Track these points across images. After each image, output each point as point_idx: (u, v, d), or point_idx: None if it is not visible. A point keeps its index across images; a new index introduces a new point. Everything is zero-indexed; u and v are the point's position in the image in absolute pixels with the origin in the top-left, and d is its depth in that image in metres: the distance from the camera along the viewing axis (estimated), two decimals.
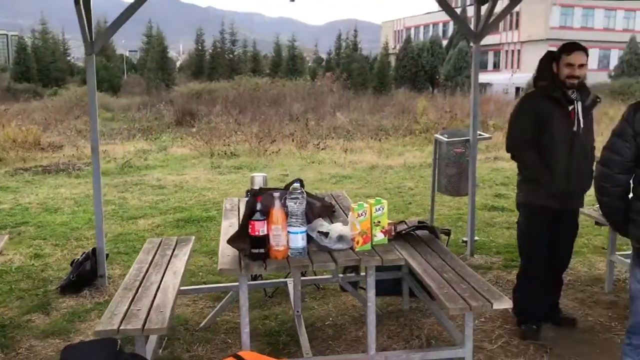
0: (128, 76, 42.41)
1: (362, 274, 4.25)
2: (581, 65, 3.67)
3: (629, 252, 5.00)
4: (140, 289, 3.35)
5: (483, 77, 37.23)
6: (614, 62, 41.46)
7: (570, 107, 3.72)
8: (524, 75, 32.30)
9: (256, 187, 3.44)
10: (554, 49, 3.88)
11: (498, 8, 5.26)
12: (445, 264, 3.62)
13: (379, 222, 3.09)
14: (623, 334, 3.95)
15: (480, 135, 5.60)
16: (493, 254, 5.71)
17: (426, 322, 4.17)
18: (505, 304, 3.03)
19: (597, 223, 4.77)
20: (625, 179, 2.51)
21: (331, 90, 25.16)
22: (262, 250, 2.86)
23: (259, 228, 2.83)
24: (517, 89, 32.47)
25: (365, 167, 11.10)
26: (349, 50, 40.25)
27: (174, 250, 4.08)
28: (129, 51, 57.68)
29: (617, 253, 4.71)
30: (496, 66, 49.50)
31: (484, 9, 5.28)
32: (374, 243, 3.07)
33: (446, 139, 5.46)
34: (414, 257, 3.74)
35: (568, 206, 3.88)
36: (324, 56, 46.20)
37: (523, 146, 3.83)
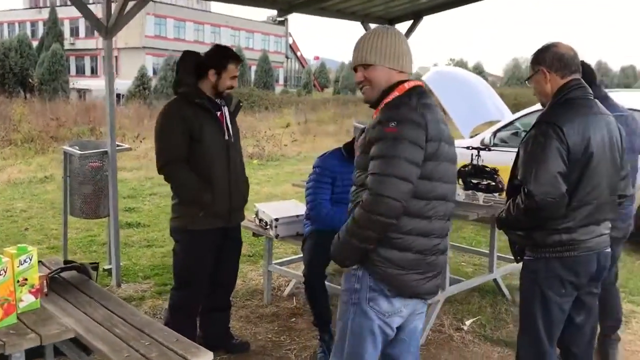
0: None
1: None
2: (235, 76, 3.42)
3: (284, 259, 5.03)
4: None
5: (82, 83, 35.27)
6: None
7: (218, 114, 3.40)
8: (123, 82, 31.73)
9: None
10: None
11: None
12: (113, 314, 2.80)
13: (26, 279, 2.14)
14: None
15: (119, 145, 4.85)
16: (141, 280, 5.04)
17: None
18: (205, 356, 2.45)
19: (254, 234, 4.62)
20: None
21: None
22: None
23: None
24: (118, 95, 31.71)
25: None
26: None
27: None
28: None
29: (273, 262, 4.63)
30: (94, 72, 47.60)
31: (114, 5, 4.56)
32: (20, 312, 2.10)
33: (79, 152, 4.52)
34: (68, 312, 2.80)
35: (233, 223, 3.55)
36: None
37: (176, 164, 3.29)
